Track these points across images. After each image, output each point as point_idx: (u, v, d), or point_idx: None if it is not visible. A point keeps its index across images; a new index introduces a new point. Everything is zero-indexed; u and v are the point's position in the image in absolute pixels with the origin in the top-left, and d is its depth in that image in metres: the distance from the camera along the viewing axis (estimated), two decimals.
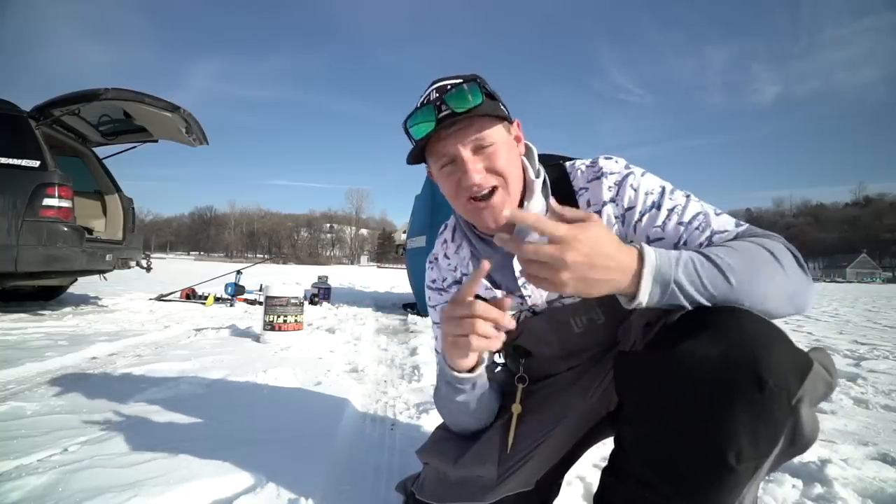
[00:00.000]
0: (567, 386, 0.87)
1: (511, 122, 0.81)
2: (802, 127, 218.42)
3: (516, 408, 0.87)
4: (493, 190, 0.77)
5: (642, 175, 0.79)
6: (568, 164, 0.86)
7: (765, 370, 0.55)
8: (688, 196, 0.76)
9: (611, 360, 0.79)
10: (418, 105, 0.78)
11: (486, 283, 0.88)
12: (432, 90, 0.77)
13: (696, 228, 0.72)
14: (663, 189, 0.77)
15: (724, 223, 0.72)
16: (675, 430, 0.61)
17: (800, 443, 0.62)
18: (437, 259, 0.99)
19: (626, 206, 0.77)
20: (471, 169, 0.75)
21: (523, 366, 0.91)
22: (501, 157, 0.76)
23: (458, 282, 0.95)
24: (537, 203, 0.82)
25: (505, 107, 0.80)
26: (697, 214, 0.73)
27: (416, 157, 0.81)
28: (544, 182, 0.85)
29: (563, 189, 0.83)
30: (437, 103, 0.75)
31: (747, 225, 0.72)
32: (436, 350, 1.00)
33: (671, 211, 0.74)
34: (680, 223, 0.73)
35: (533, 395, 0.89)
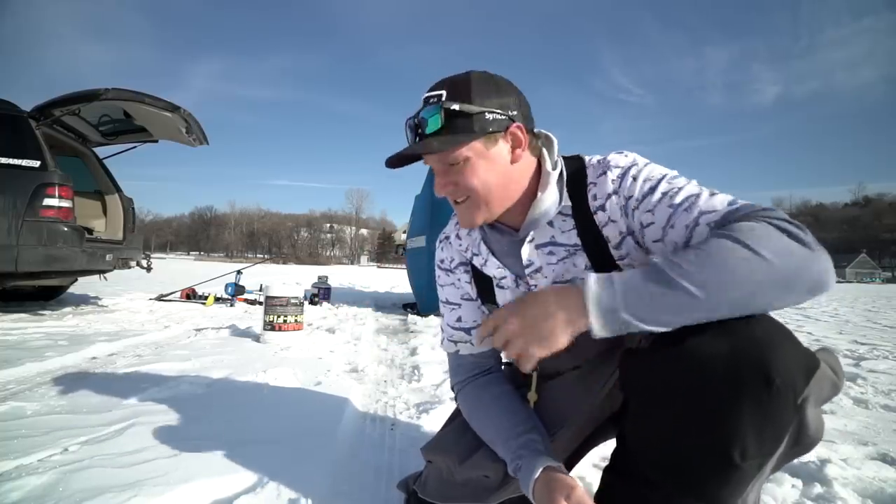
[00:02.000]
0: (572, 387, 0.87)
1: (503, 129, 0.76)
2: (802, 127, 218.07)
3: (532, 396, 0.88)
4: (465, 199, 0.79)
5: (646, 165, 0.78)
6: (586, 157, 0.85)
7: (773, 368, 0.55)
8: (689, 181, 0.73)
9: (615, 362, 0.79)
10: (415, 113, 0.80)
11: (497, 263, 0.88)
12: (422, 99, 0.78)
13: (684, 210, 0.68)
14: (663, 176, 0.75)
15: (715, 203, 0.67)
16: (680, 426, 0.61)
17: (804, 442, 0.62)
18: (448, 238, 0.99)
19: (626, 195, 0.76)
20: (438, 184, 0.80)
21: None
22: (472, 173, 0.76)
23: (464, 263, 0.96)
24: (551, 194, 0.81)
25: (499, 111, 0.75)
26: (689, 196, 0.69)
27: (404, 159, 0.81)
28: (561, 174, 0.84)
29: (577, 182, 0.83)
30: (416, 119, 0.77)
31: (741, 203, 0.67)
32: (442, 330, 1.00)
33: (665, 194, 0.72)
34: (670, 205, 0.70)
35: (538, 395, 0.89)
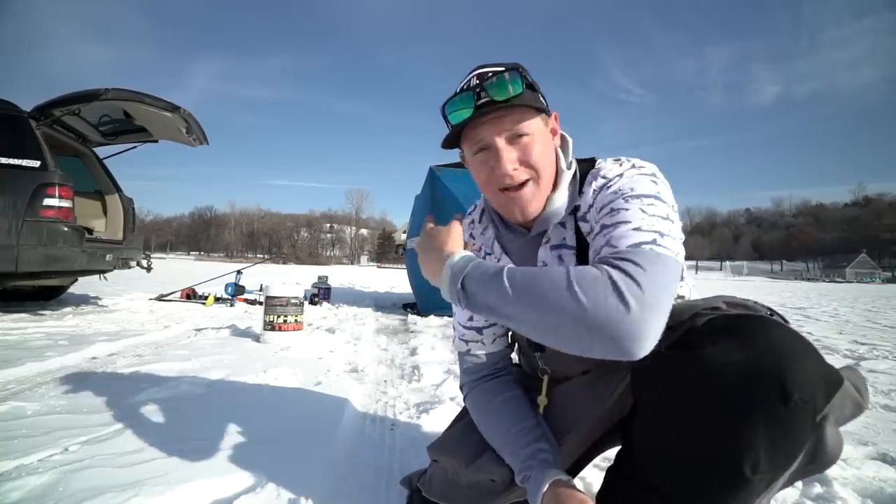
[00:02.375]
0: (581, 391, 0.87)
1: (549, 114, 0.81)
2: (802, 127, 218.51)
3: (542, 399, 0.87)
4: (525, 182, 0.77)
5: (630, 177, 0.74)
6: (599, 160, 0.84)
7: (791, 383, 0.53)
8: (644, 207, 0.68)
9: (625, 367, 0.79)
10: (458, 90, 0.78)
11: (510, 262, 0.88)
12: (473, 76, 0.77)
13: (604, 234, 0.68)
14: (628, 194, 0.71)
15: (625, 239, 0.64)
16: (690, 433, 0.59)
17: (821, 461, 0.60)
18: None
19: (597, 208, 0.75)
20: (504, 159, 0.75)
21: (540, 360, 0.91)
22: (536, 149, 0.76)
23: None
24: (561, 195, 0.81)
25: (544, 98, 0.80)
26: (619, 223, 0.67)
27: (452, 142, 0.82)
28: (574, 175, 0.83)
29: (581, 185, 0.82)
30: (477, 90, 0.74)
31: (644, 247, 0.62)
32: (454, 328, 1.00)
33: (612, 212, 0.70)
34: (602, 224, 0.70)
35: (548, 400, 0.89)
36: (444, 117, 0.79)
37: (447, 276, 0.70)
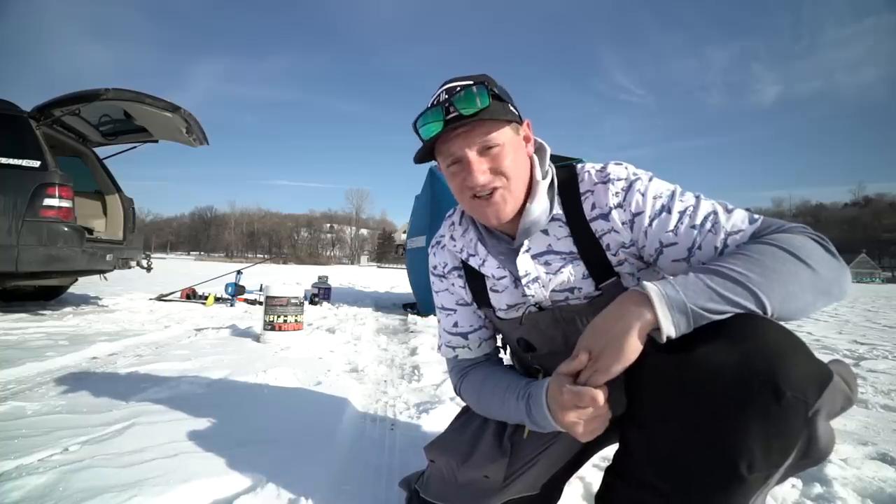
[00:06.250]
0: None
1: (521, 123, 0.82)
2: (802, 127, 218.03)
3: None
4: (496, 189, 0.78)
5: (650, 180, 0.78)
6: (578, 166, 0.85)
7: (783, 380, 0.54)
8: (698, 197, 0.75)
9: None
10: (428, 106, 0.79)
11: (496, 263, 0.89)
12: (442, 91, 0.79)
13: (710, 231, 0.70)
14: (672, 192, 0.76)
15: (737, 222, 0.70)
16: (686, 435, 0.60)
17: (814, 455, 0.61)
18: (440, 242, 0.99)
19: (633, 211, 0.77)
20: (475, 170, 0.77)
21: (533, 361, 0.92)
22: (506, 158, 0.78)
23: (457, 267, 0.96)
24: (540, 204, 0.82)
25: (515, 107, 0.81)
26: (709, 215, 0.71)
27: (424, 156, 0.83)
28: (552, 183, 0.85)
29: (569, 191, 0.83)
30: (446, 105, 0.76)
31: (762, 219, 0.70)
32: (439, 336, 1.00)
33: (682, 213, 0.73)
34: (692, 226, 0.72)
35: None
36: (417, 132, 0.81)
37: (666, 310, 0.60)
